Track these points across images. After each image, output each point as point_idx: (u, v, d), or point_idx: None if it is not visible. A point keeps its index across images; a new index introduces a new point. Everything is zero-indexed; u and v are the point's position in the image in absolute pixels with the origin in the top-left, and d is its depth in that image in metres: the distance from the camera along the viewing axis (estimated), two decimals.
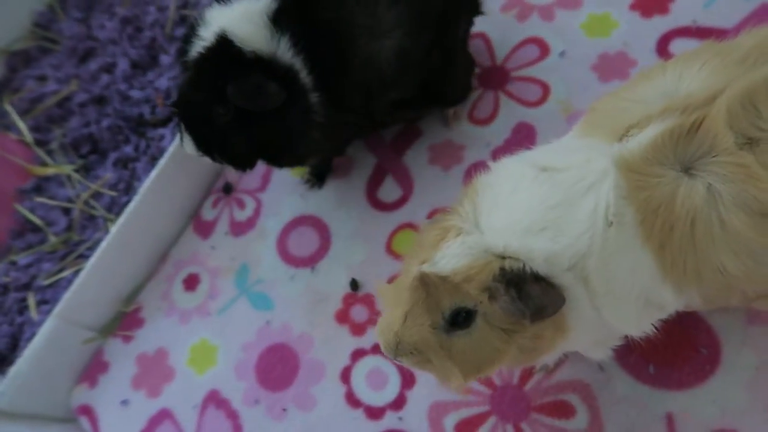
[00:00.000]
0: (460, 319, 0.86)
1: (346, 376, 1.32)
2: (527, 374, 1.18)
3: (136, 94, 1.77)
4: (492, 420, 1.17)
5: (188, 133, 1.22)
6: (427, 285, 0.86)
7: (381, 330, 0.92)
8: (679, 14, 1.43)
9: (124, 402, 1.46)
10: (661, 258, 0.85)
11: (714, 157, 0.83)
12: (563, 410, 1.13)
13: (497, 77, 1.53)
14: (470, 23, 1.46)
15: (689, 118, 0.84)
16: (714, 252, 0.83)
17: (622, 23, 1.48)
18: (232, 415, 1.36)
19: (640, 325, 0.93)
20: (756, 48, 0.90)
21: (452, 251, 0.85)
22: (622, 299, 0.87)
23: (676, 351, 1.12)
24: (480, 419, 1.18)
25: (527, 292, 0.82)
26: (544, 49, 1.53)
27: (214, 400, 1.39)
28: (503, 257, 0.83)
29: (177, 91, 1.24)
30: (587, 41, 1.49)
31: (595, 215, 0.84)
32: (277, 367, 1.38)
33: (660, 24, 1.44)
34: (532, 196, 0.86)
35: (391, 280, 1.37)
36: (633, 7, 1.48)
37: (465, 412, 1.20)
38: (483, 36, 1.60)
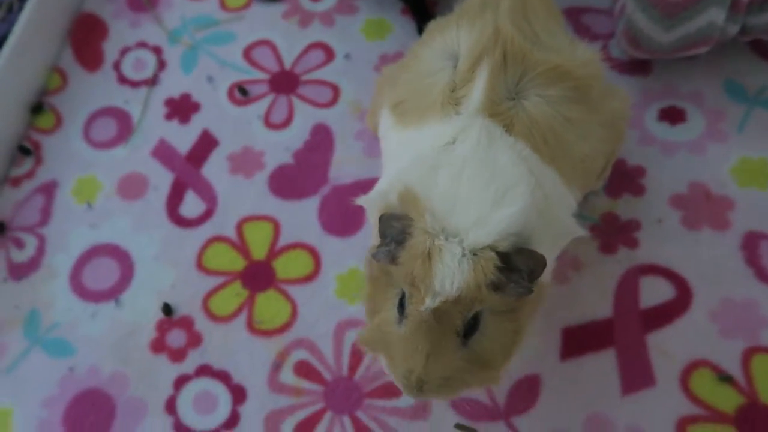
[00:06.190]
0: (470, 326, 0.84)
1: (171, 406, 1.23)
2: (356, 364, 1.22)
3: None
4: (328, 416, 1.19)
5: None
6: (441, 317, 0.81)
7: (398, 376, 0.87)
8: None
9: None
10: (558, 168, 0.95)
11: (530, 77, 0.95)
12: (393, 390, 1.19)
13: (288, 82, 1.55)
14: None
15: (495, 51, 0.95)
16: (574, 145, 0.97)
17: (396, 27, 1.60)
18: None
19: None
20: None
21: (447, 271, 0.80)
22: (566, 216, 0.97)
23: None
24: (316, 417, 1.19)
25: (515, 267, 0.81)
26: (329, 53, 1.59)
27: None
28: (490, 248, 0.81)
29: None
30: (367, 44, 1.59)
31: (516, 159, 0.90)
32: (90, 416, 1.24)
33: None
34: (465, 179, 0.86)
35: (208, 297, 1.32)
36: (403, 12, 1.62)
37: (301, 414, 1.19)
38: (269, 43, 1.61)
